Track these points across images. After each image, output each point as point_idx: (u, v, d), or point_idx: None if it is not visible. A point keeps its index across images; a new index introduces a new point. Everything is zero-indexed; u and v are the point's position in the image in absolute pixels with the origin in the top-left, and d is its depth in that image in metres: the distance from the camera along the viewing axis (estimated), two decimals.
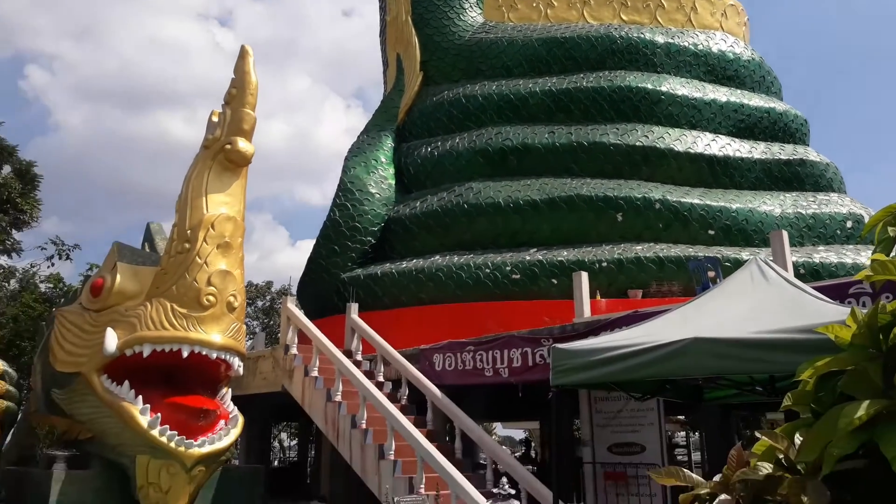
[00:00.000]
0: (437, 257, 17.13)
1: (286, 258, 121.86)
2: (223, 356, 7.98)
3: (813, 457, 1.53)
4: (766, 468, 1.72)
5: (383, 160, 19.69)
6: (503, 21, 21.42)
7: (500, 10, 21.60)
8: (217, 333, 7.88)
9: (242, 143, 8.45)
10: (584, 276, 12.14)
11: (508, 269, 16.10)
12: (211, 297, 7.89)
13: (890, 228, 1.94)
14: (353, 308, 13.11)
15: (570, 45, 19.86)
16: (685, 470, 1.94)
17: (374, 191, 18.76)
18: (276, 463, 24.97)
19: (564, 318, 11.64)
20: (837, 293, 6.88)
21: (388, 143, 20.17)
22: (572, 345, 5.99)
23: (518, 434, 39.45)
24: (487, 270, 16.20)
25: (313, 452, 18.89)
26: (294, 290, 23.11)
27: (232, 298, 8.09)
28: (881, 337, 1.56)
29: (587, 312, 11.68)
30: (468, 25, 21.10)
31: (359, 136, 20.87)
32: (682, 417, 21.19)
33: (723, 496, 1.69)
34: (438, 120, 20.06)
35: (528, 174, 17.85)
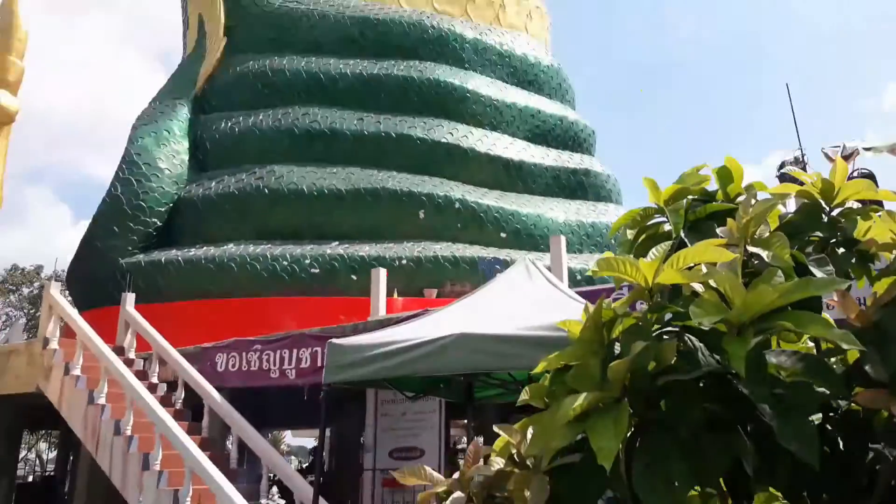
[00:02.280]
0: (231, 245, 16.18)
1: (67, 240, 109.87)
2: None
3: (538, 451, 1.57)
4: (498, 463, 1.74)
5: (177, 132, 18.22)
6: None
7: None
8: None
9: (4, 98, 7.31)
10: (383, 272, 12.12)
11: (308, 262, 15.64)
12: None
13: (629, 231, 2.08)
14: (130, 299, 11.96)
15: (382, 27, 19.66)
16: (427, 468, 1.96)
17: (163, 166, 17.29)
18: (30, 477, 23.00)
19: (362, 316, 11.52)
20: (597, 297, 7.36)
21: (184, 114, 18.71)
22: (346, 340, 5.86)
23: (310, 443, 37.74)
24: (285, 263, 15.61)
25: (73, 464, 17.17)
26: (65, 275, 20.74)
27: None
28: (605, 332, 1.65)
29: (382, 311, 11.67)
30: None
31: (150, 103, 19.18)
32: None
33: (457, 493, 1.69)
34: (242, 93, 18.98)
35: (334, 162, 17.46)
